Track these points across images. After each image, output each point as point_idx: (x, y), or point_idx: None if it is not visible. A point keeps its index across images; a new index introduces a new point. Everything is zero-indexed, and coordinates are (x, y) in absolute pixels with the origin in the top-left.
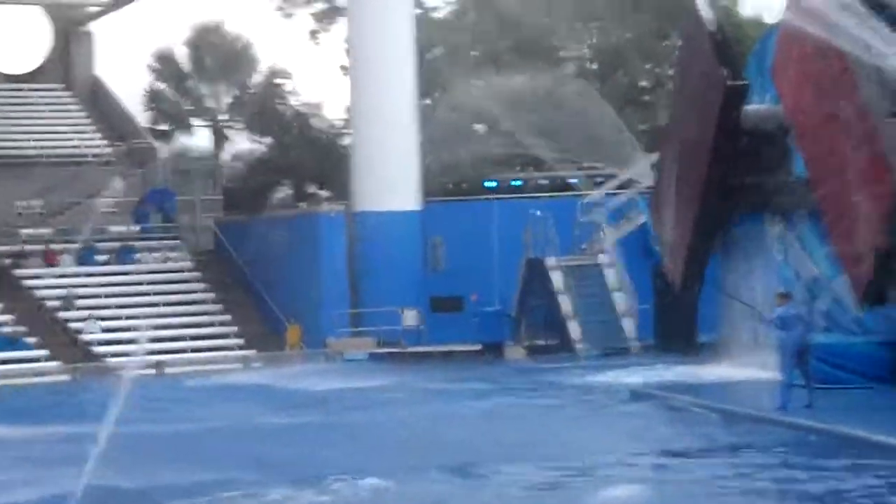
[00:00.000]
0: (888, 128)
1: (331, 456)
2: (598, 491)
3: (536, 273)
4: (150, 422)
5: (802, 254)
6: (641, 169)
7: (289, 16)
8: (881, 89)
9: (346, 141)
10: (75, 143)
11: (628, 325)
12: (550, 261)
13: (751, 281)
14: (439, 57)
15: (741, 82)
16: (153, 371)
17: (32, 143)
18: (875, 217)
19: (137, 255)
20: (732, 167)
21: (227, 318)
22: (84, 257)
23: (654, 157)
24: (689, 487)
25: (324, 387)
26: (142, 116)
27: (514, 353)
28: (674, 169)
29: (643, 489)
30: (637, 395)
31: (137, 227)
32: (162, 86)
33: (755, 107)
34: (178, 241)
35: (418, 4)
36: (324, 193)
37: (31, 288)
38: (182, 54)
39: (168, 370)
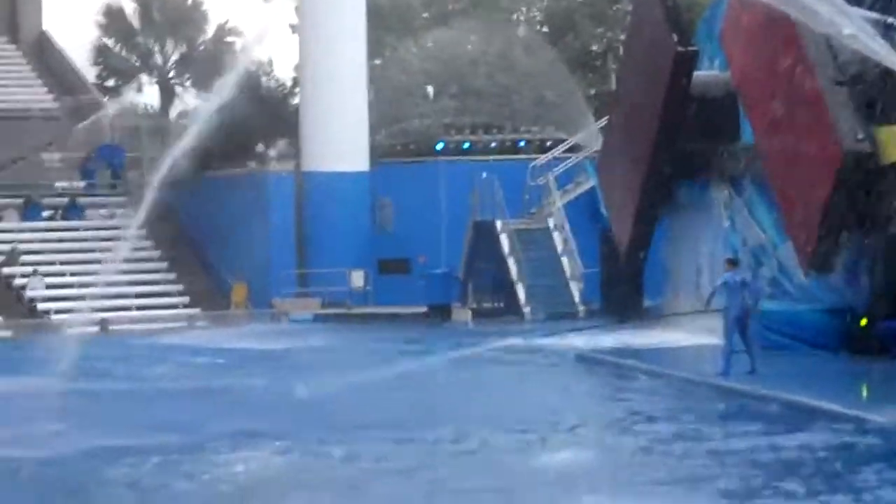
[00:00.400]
0: (834, 95)
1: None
2: (536, 454)
3: (484, 236)
4: (91, 380)
5: (749, 220)
6: (590, 133)
7: None
8: (829, 57)
9: (295, 101)
10: (21, 97)
11: (575, 289)
12: (498, 224)
13: (697, 247)
14: (389, 17)
15: (691, 48)
16: (97, 329)
17: None
18: (821, 183)
19: (85, 212)
20: (680, 133)
21: (173, 276)
22: (29, 213)
23: (603, 121)
24: (628, 452)
25: (265, 347)
26: (89, 72)
27: (461, 315)
28: (622, 134)
29: (580, 453)
30: (581, 358)
31: (83, 184)
32: (110, 41)
33: (704, 73)
34: (124, 198)
35: None
36: (272, 153)
37: None
38: (131, 9)
39: (112, 328)
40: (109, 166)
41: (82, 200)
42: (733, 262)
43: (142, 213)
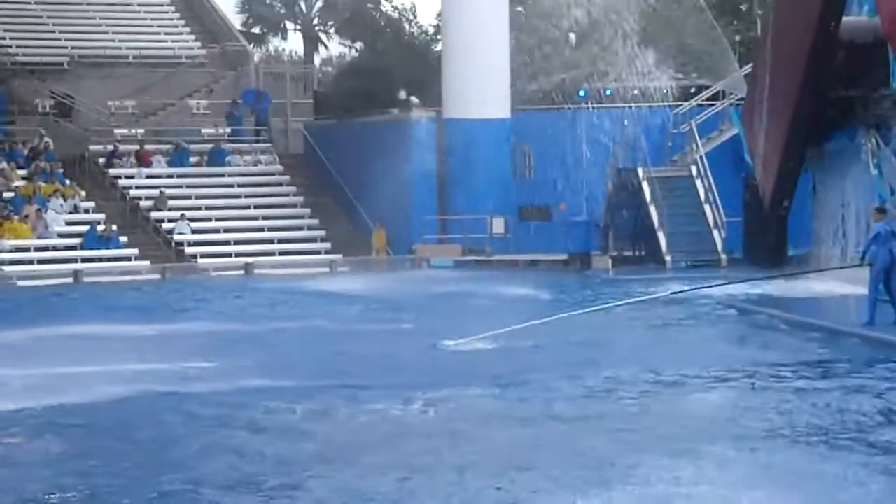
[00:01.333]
0: None
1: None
2: (687, 397)
3: (626, 183)
4: (249, 321)
5: None
6: (735, 80)
7: None
8: None
9: (437, 47)
10: (169, 44)
11: (717, 238)
12: (640, 171)
13: (843, 195)
14: None
15: None
16: (242, 273)
17: (126, 44)
18: None
19: (228, 158)
20: (827, 80)
21: (315, 221)
22: (176, 158)
23: (748, 68)
24: (777, 400)
25: (414, 291)
26: (236, 19)
27: (601, 263)
28: (768, 81)
29: (733, 397)
30: (724, 306)
31: (229, 130)
32: None
33: (853, 18)
34: (269, 145)
35: None
36: (415, 100)
37: (123, 187)
38: None
39: (256, 272)
40: (254, 112)
41: (227, 146)
42: (882, 211)
43: (284, 160)
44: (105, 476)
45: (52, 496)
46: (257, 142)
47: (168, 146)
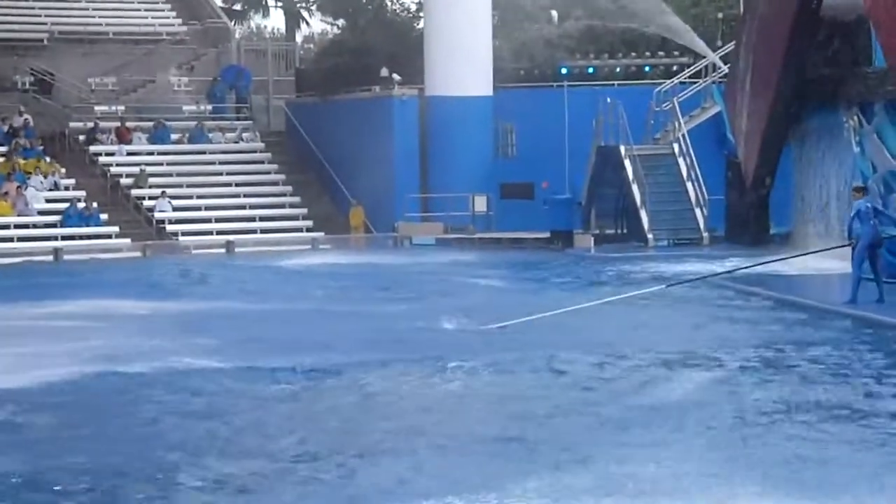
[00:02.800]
0: None
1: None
2: (673, 375)
3: (608, 161)
4: (238, 299)
5: (879, 145)
6: (717, 58)
7: None
8: None
9: (420, 24)
10: (149, 20)
11: (699, 216)
12: (623, 149)
13: (824, 173)
14: None
15: None
16: (223, 250)
17: (106, 20)
18: None
19: (210, 135)
20: (809, 58)
21: (297, 199)
22: (157, 136)
23: (731, 45)
24: (761, 377)
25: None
26: None
27: (583, 241)
28: (750, 59)
29: (715, 375)
30: (706, 284)
31: (210, 107)
32: None
33: None
34: (250, 122)
35: None
36: (397, 77)
37: (104, 164)
38: None
39: (237, 250)
40: (233, 88)
41: (209, 124)
42: (861, 190)
43: (266, 137)
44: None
45: None
46: (238, 119)
47: (149, 123)
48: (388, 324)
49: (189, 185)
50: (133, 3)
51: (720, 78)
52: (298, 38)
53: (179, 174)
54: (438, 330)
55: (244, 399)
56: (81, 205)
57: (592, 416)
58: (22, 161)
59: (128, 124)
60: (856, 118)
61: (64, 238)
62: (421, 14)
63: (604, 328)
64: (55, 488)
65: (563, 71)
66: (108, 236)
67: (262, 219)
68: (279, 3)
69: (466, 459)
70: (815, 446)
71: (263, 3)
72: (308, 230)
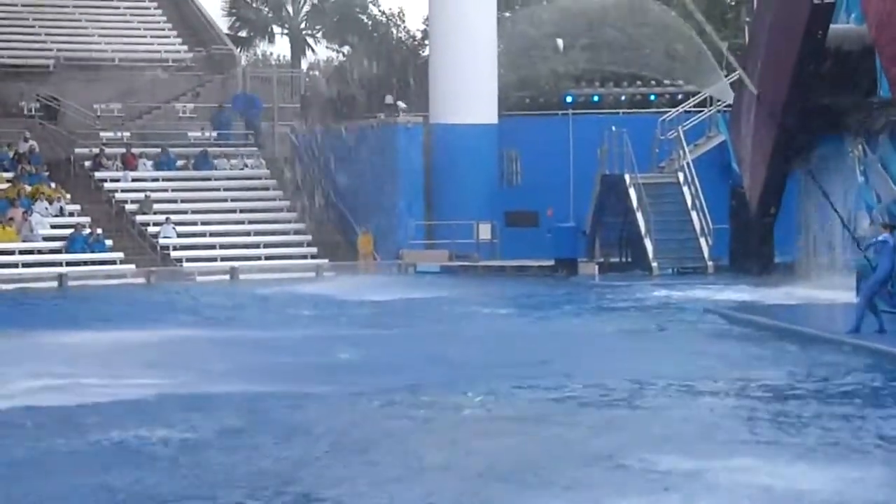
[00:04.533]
0: None
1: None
2: (673, 404)
3: (613, 189)
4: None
5: (884, 175)
6: (722, 87)
7: None
8: None
9: (425, 52)
10: (155, 47)
11: (704, 245)
12: (627, 177)
13: (831, 203)
14: None
15: (828, 1)
16: (227, 277)
17: (112, 47)
18: None
19: (214, 162)
20: (815, 87)
21: (301, 226)
22: (162, 162)
23: (736, 75)
24: (761, 407)
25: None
26: (222, 23)
27: (588, 269)
28: (755, 88)
29: (713, 405)
30: (710, 313)
31: (215, 134)
32: None
33: (841, 26)
34: (255, 149)
35: None
36: (402, 105)
37: (109, 191)
38: None
39: (242, 277)
40: (244, 116)
41: (214, 150)
42: (890, 227)
43: (271, 164)
44: None
45: None
46: (244, 146)
47: (154, 150)
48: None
49: (194, 212)
50: (139, 29)
51: (725, 107)
52: (304, 65)
53: (184, 200)
54: None
55: None
56: (87, 231)
57: None
58: (27, 187)
59: (133, 150)
60: (860, 148)
61: (69, 264)
62: (426, 41)
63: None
64: None
65: (569, 99)
66: (113, 262)
67: (266, 245)
68: (285, 31)
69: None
70: None
71: (269, 29)
72: (313, 257)
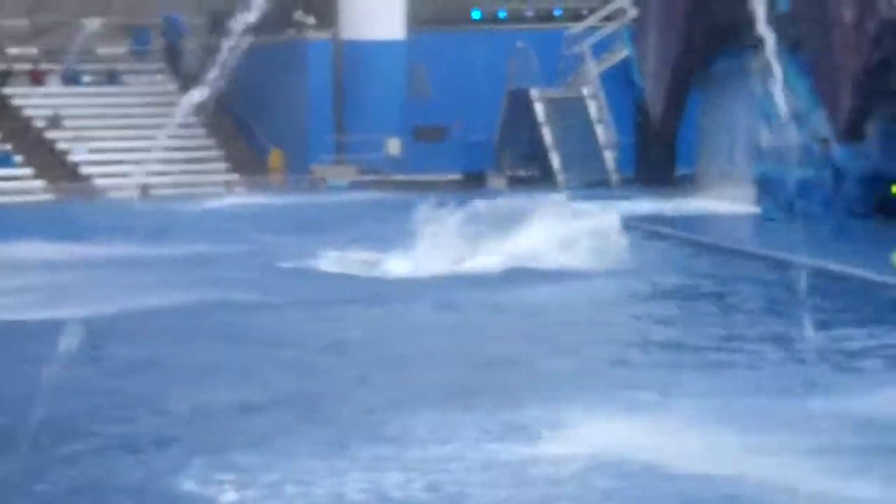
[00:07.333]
0: None
1: None
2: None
3: (519, 104)
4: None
5: (784, 88)
6: (626, 1)
7: None
8: None
9: None
10: None
11: (609, 158)
12: (534, 92)
13: (730, 115)
14: None
15: None
16: (138, 193)
17: None
18: (856, 51)
19: (124, 78)
20: (714, 1)
21: (212, 142)
22: (70, 78)
23: None
24: (673, 314)
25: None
26: None
27: (496, 182)
28: (657, 3)
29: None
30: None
31: (126, 50)
32: None
33: None
34: (164, 65)
35: None
36: (310, 20)
37: (17, 107)
38: None
39: (153, 193)
40: (166, 38)
41: (122, 67)
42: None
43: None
44: None
45: None
46: (152, 62)
47: (63, 66)
48: None
49: (104, 128)
50: None
51: (630, 21)
52: None
53: (94, 117)
54: None
55: None
56: None
57: None
58: None
59: (41, 66)
60: (761, 60)
61: None
62: None
63: None
64: None
65: (475, 15)
66: (22, 178)
67: (177, 161)
68: None
69: None
70: None
71: None
72: (224, 172)
